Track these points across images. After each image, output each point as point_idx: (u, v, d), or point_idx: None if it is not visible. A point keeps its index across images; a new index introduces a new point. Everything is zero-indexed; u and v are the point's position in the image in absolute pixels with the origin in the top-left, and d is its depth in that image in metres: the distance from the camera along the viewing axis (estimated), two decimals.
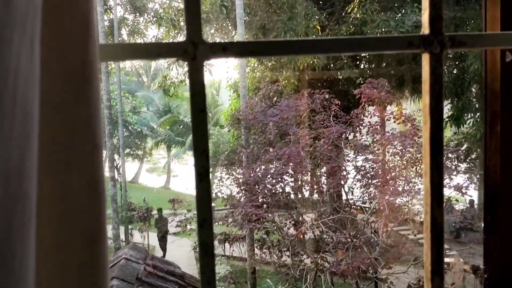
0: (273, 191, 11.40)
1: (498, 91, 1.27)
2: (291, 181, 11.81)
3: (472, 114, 20.03)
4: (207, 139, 0.88)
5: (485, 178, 1.40)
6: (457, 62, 19.96)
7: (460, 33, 1.11)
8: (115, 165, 21.05)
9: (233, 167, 12.63)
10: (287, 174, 11.55)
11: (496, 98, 1.22)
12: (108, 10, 22.83)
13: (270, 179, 11.11)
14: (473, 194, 19.76)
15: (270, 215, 10.79)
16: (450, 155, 16.28)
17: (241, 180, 11.61)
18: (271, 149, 11.65)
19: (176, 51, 0.91)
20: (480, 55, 16.22)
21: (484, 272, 1.39)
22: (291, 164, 11.34)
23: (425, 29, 1.04)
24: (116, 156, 22.59)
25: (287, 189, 11.44)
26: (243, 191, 10.92)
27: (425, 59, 1.05)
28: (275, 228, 10.23)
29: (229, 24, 19.22)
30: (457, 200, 18.69)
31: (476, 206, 21.45)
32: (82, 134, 0.66)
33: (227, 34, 19.51)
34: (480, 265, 16.37)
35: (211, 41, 0.90)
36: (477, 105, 20.07)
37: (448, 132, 22.58)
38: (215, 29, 19.71)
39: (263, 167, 11.31)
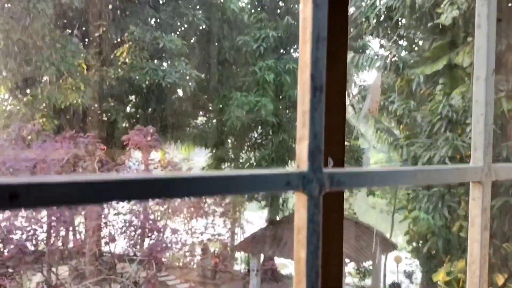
0: (23, 247, 9.74)
1: None
2: (45, 236, 10.39)
3: (228, 163, 21.74)
4: None
5: None
6: (215, 116, 21.61)
7: (338, 170, 0.98)
8: None
9: None
10: (39, 228, 10.13)
11: None
12: None
13: (20, 233, 9.50)
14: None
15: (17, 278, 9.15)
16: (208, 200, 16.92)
17: None
18: None
19: None
20: (237, 112, 17.98)
21: None
22: (46, 217, 10.00)
23: (302, 164, 0.83)
24: None
25: (40, 246, 9.99)
26: None
27: (301, 201, 0.84)
28: None
29: None
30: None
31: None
32: None
33: None
34: None
35: None
36: (231, 155, 21.98)
37: None
38: None
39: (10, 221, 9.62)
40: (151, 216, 11.80)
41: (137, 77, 16.11)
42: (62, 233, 11.41)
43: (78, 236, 11.86)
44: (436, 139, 10.03)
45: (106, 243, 10.37)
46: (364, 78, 17.20)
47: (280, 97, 18.45)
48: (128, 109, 20.82)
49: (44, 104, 15.97)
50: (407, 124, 12.02)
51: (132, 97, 20.14)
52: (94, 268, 9.84)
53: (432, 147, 10.15)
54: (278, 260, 22.18)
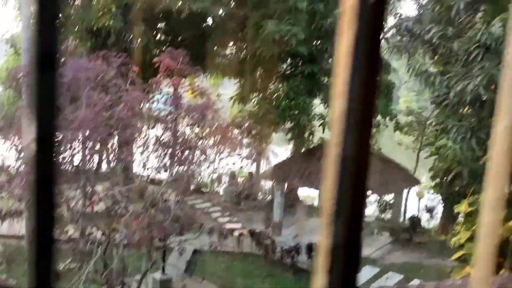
0: (61, 159, 10.27)
1: None
2: (81, 149, 10.85)
3: (256, 94, 21.67)
4: None
5: None
6: (245, 45, 21.33)
7: None
8: None
9: (11, 132, 10.86)
10: (78, 141, 10.58)
11: None
12: None
13: (57, 145, 9.96)
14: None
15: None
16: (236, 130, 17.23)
17: (20, 147, 10.12)
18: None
19: None
20: (267, 42, 17.65)
21: None
22: (81, 130, 10.40)
23: None
24: None
25: (77, 157, 10.49)
26: (25, 159, 9.53)
27: None
28: (63, 200, 9.25)
29: None
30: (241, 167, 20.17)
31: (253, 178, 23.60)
32: None
33: None
34: (256, 230, 18.13)
35: None
36: (259, 86, 21.82)
37: (235, 109, 24.13)
38: None
39: None
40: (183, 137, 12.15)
41: (167, 1, 15.95)
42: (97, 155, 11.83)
43: (111, 157, 12.35)
44: (471, 68, 9.79)
45: (143, 156, 10.77)
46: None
47: (312, 26, 18.03)
48: (158, 36, 20.78)
49: (77, 26, 16.11)
50: (443, 54, 11.71)
51: (163, 24, 20.02)
52: (126, 179, 10.34)
53: (466, 77, 9.94)
54: (302, 192, 22.72)
